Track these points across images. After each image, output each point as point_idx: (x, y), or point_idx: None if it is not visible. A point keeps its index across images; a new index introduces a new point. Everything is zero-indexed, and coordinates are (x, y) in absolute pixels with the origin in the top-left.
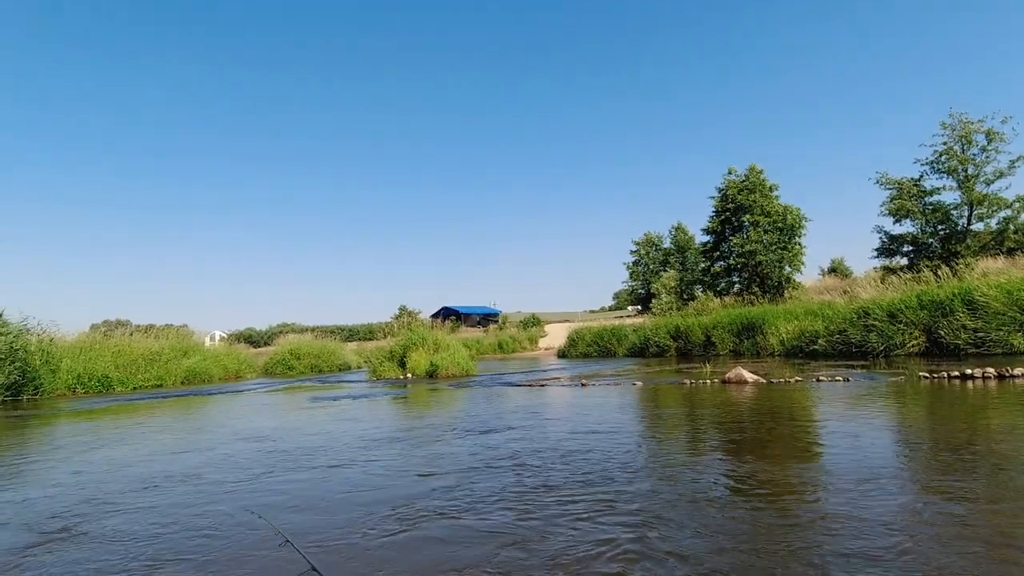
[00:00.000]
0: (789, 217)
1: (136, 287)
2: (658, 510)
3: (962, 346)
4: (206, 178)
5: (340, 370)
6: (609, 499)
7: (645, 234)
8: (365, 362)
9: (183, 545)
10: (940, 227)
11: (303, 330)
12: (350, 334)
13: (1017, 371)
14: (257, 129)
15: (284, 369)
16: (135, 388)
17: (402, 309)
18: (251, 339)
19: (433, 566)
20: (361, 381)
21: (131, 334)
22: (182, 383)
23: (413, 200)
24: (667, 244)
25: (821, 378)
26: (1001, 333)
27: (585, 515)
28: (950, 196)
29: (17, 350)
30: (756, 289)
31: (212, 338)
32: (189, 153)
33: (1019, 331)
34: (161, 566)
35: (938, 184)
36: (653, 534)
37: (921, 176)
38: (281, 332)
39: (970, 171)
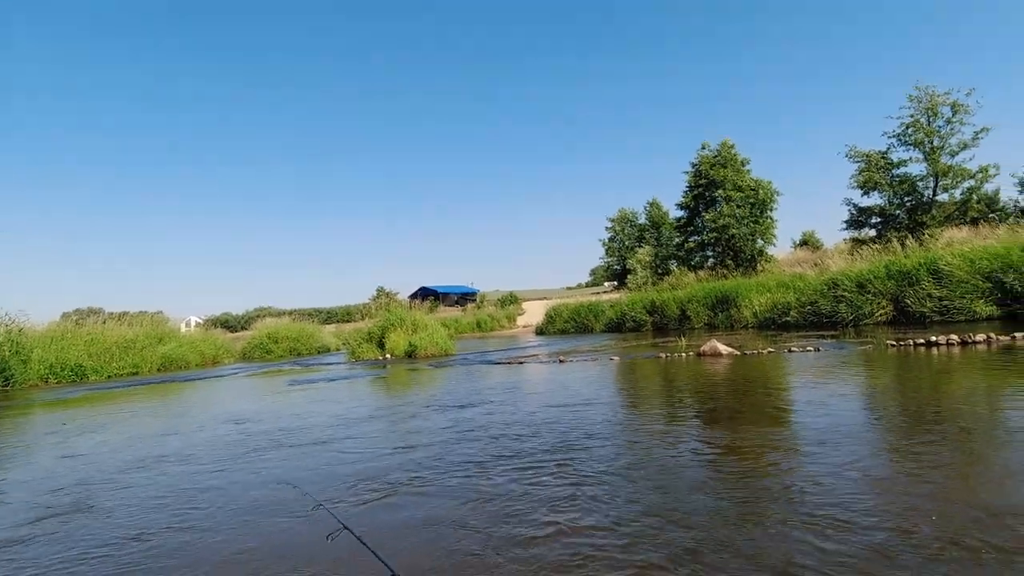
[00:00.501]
0: (761, 191)
1: (109, 274)
2: (607, 470)
3: (928, 314)
4: (178, 162)
5: (319, 353)
6: (567, 463)
7: (620, 211)
8: (344, 344)
9: (185, 516)
10: (907, 198)
11: (280, 314)
12: (328, 316)
13: (979, 337)
14: (228, 111)
15: (262, 353)
16: (110, 376)
17: (380, 290)
18: (228, 324)
19: (405, 522)
20: (340, 363)
21: (104, 322)
22: (158, 370)
23: (390, 181)
24: (642, 220)
25: (793, 349)
26: (964, 301)
27: (538, 478)
28: (916, 168)
29: None
30: (729, 263)
31: (188, 324)
32: (159, 136)
33: (982, 298)
34: (172, 532)
35: (905, 156)
36: (591, 490)
37: (888, 148)
38: (258, 316)
39: (936, 143)
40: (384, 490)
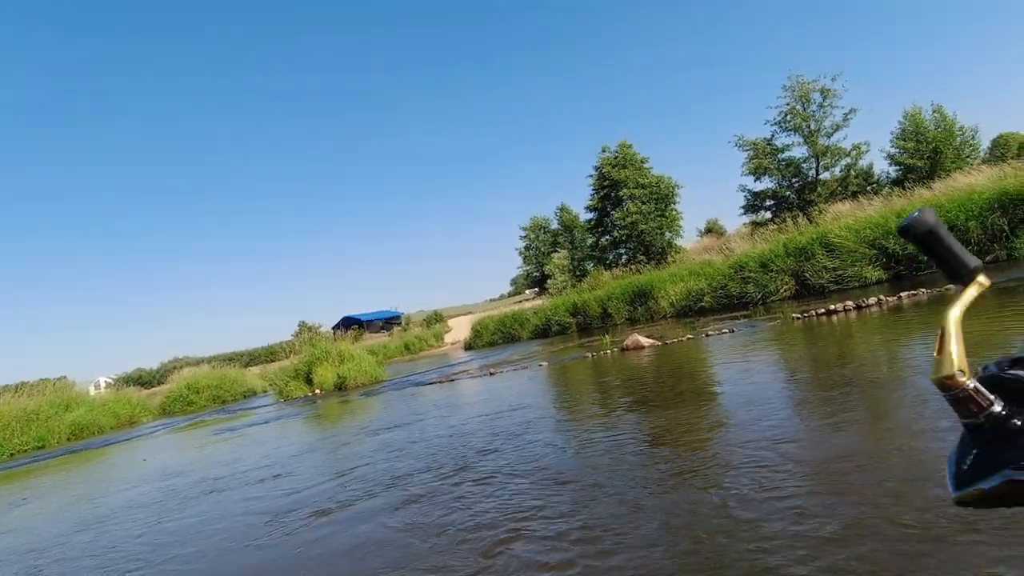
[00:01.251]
0: (663, 187)
1: None
2: (536, 459)
3: (826, 285)
4: (66, 212)
5: (245, 397)
6: (492, 464)
7: (532, 218)
8: (271, 385)
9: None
10: (794, 180)
11: (199, 362)
12: (251, 359)
13: (871, 300)
14: (119, 147)
15: (183, 406)
16: (12, 454)
17: (302, 325)
18: (142, 380)
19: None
20: (269, 405)
21: None
22: (68, 439)
23: (300, 212)
24: (554, 225)
25: (710, 333)
26: (856, 268)
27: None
28: (799, 151)
29: None
30: (642, 258)
31: (97, 386)
32: (46, 185)
33: (870, 264)
34: None
35: (788, 141)
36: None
37: (772, 135)
38: (175, 368)
39: (812, 127)
40: (316, 513)
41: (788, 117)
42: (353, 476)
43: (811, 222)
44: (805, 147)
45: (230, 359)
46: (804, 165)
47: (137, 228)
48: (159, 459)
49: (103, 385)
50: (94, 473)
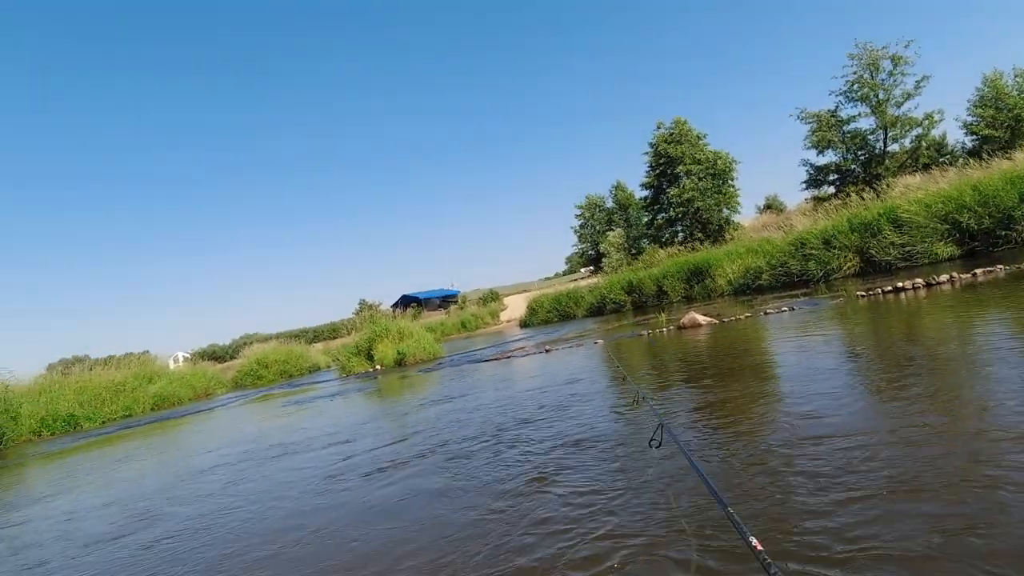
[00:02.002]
0: (720, 162)
1: (90, 321)
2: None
3: (893, 262)
4: (148, 200)
5: (310, 372)
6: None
7: (587, 197)
8: (334, 360)
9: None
10: (860, 152)
11: (267, 338)
12: (315, 335)
13: (943, 278)
14: (194, 143)
15: (253, 380)
16: (104, 422)
17: (363, 303)
18: (216, 355)
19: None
20: (332, 380)
21: (91, 368)
22: (152, 409)
23: (361, 194)
24: (609, 204)
25: (768, 311)
26: (926, 244)
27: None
28: (866, 122)
29: None
30: (699, 235)
31: (176, 360)
32: (127, 181)
33: (941, 240)
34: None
35: (853, 112)
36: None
37: (837, 107)
38: (245, 343)
39: (880, 96)
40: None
41: (855, 87)
42: (410, 441)
43: (878, 196)
44: (873, 118)
45: (296, 336)
46: (871, 137)
47: (210, 210)
48: (236, 428)
49: (181, 359)
50: (181, 439)
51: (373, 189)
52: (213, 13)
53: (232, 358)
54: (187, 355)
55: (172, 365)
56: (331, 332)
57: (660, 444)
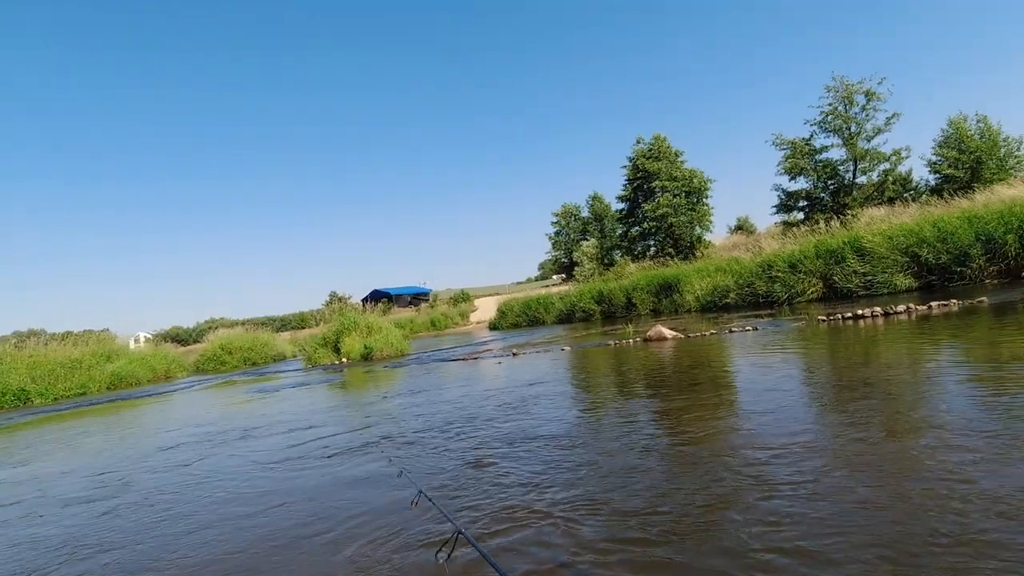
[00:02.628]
0: (695, 180)
1: (49, 295)
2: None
3: (854, 289)
4: (117, 174)
5: (275, 361)
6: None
7: (563, 205)
8: (300, 351)
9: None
10: (830, 182)
11: (233, 324)
12: (282, 324)
13: (900, 308)
14: (172, 120)
15: (216, 365)
16: (56, 399)
17: (333, 295)
18: (179, 338)
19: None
20: (297, 370)
21: (46, 343)
22: (108, 388)
23: (337, 185)
24: (585, 214)
25: (733, 329)
26: (886, 275)
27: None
28: (837, 153)
29: None
30: (670, 250)
31: (137, 340)
32: (95, 149)
33: (901, 272)
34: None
35: (826, 143)
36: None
37: (811, 136)
38: (210, 328)
39: (853, 129)
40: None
41: (829, 118)
42: (369, 430)
43: (844, 225)
44: (844, 149)
45: (263, 323)
46: (841, 167)
47: (181, 190)
48: (195, 411)
49: (142, 340)
50: (140, 418)
51: (349, 181)
52: None
53: (196, 342)
54: (149, 336)
55: (132, 345)
56: (299, 322)
57: (451, 555)
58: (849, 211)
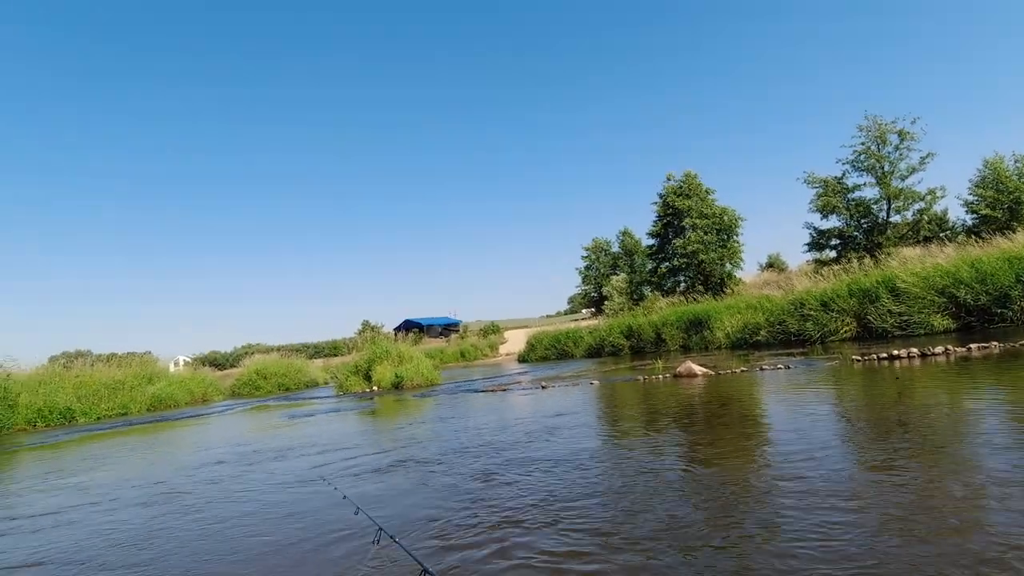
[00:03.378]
0: (726, 218)
1: (96, 317)
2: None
3: (889, 329)
4: (161, 203)
5: (307, 387)
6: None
7: (594, 240)
8: (332, 378)
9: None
10: (863, 220)
11: (269, 350)
12: (316, 351)
13: (938, 349)
14: (214, 149)
15: (251, 389)
16: (99, 418)
17: (365, 324)
18: (216, 362)
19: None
20: (328, 396)
21: (92, 364)
22: (148, 410)
23: (372, 217)
24: (615, 249)
25: (764, 367)
26: (923, 315)
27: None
28: (870, 192)
29: None
30: (700, 286)
31: (177, 363)
32: (142, 178)
33: (938, 313)
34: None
35: (859, 181)
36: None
37: (843, 174)
38: (246, 353)
39: (886, 168)
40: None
41: (862, 157)
42: (398, 454)
43: (878, 264)
44: (877, 188)
45: (297, 350)
46: (875, 206)
47: (220, 216)
48: (232, 433)
49: (182, 363)
50: (183, 438)
51: (383, 211)
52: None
53: (232, 366)
54: (188, 359)
55: (172, 368)
56: (332, 349)
57: None
58: (883, 250)
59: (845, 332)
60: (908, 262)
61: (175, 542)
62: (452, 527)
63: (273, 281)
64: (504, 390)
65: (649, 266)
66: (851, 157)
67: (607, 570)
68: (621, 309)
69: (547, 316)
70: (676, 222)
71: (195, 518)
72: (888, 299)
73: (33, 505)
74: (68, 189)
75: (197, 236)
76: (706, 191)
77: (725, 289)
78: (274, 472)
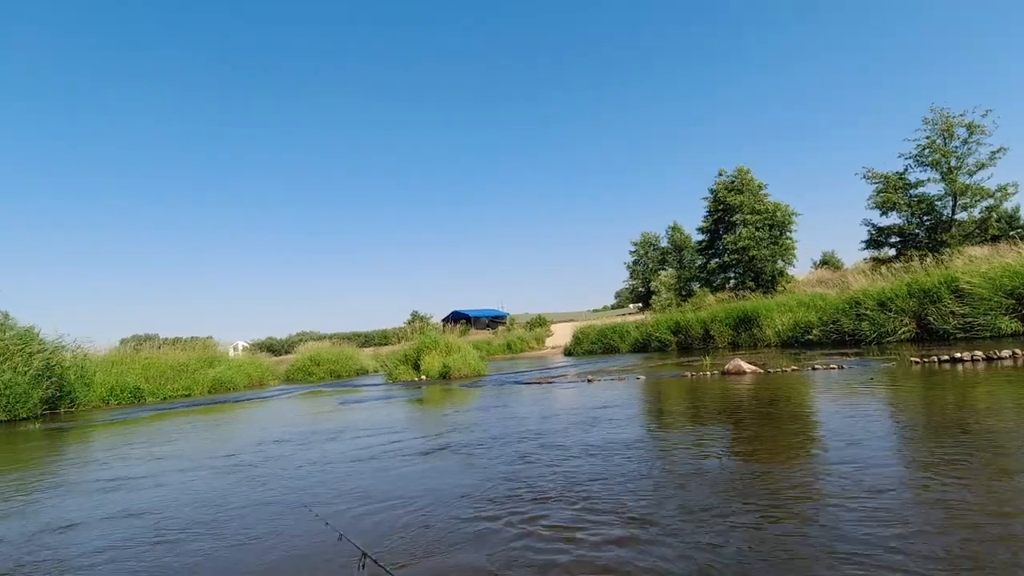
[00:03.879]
0: (779, 214)
1: (164, 302)
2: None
3: (951, 331)
4: (224, 196)
5: (357, 374)
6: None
7: (643, 235)
8: (381, 366)
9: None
10: (926, 218)
11: (321, 338)
12: (366, 340)
13: (1004, 353)
14: (273, 146)
15: (304, 375)
16: (164, 398)
17: (414, 315)
18: (272, 348)
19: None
20: (378, 384)
21: (159, 347)
22: (209, 392)
23: (423, 209)
24: (664, 244)
25: (817, 366)
26: (988, 317)
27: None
28: (934, 188)
29: (53, 366)
30: (750, 283)
31: (236, 348)
32: (209, 173)
33: (1006, 315)
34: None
35: (922, 177)
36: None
37: (906, 170)
38: (300, 340)
39: (952, 163)
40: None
41: (926, 151)
42: (442, 438)
43: (940, 264)
44: (942, 184)
45: (348, 338)
46: (939, 203)
47: (279, 208)
48: (290, 415)
49: (240, 348)
50: (247, 417)
51: (436, 206)
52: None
53: (287, 352)
54: (246, 344)
55: (231, 352)
56: (382, 338)
57: None
58: (947, 249)
59: (903, 333)
60: (974, 262)
61: (249, 502)
62: (483, 500)
63: (327, 272)
64: (550, 382)
65: (698, 262)
66: (914, 152)
67: (628, 554)
68: (669, 305)
69: (593, 310)
70: (727, 218)
71: (264, 484)
72: (951, 299)
73: (131, 469)
74: (134, 187)
75: (257, 231)
76: (759, 186)
77: (776, 286)
78: (326, 452)
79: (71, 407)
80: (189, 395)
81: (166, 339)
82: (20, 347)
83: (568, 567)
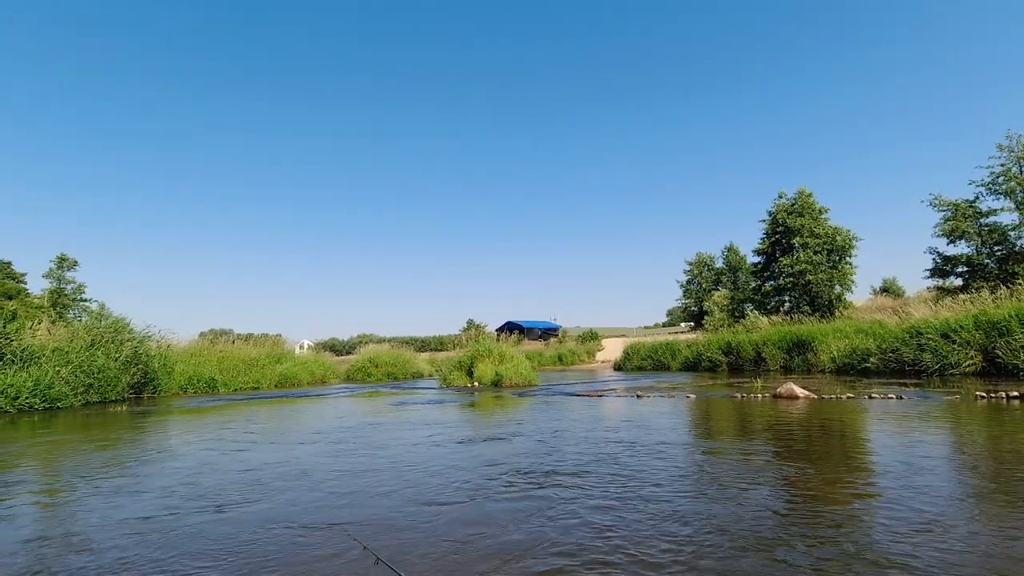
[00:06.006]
0: (839, 239)
1: (239, 300)
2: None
3: (1021, 366)
4: (294, 206)
5: (413, 378)
6: (627, 473)
7: (698, 254)
8: (436, 371)
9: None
10: (997, 248)
11: (381, 341)
12: (422, 345)
13: None
14: (342, 158)
15: (363, 376)
16: (235, 389)
17: (470, 323)
18: (335, 348)
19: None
20: (433, 388)
21: (233, 342)
22: (275, 386)
23: (482, 221)
24: (719, 264)
25: (873, 395)
26: None
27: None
28: (1008, 217)
29: (140, 354)
30: (806, 307)
31: (301, 346)
32: (279, 183)
33: None
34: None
35: (995, 205)
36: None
37: (976, 197)
38: (361, 342)
39: None
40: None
41: (1000, 179)
42: (490, 431)
43: (1012, 296)
44: (1016, 213)
45: (405, 342)
46: (1012, 233)
47: (345, 216)
48: (356, 409)
49: (306, 346)
50: (317, 410)
51: (495, 215)
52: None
53: (348, 353)
54: (311, 343)
55: (298, 350)
56: (438, 344)
57: None
58: (1018, 280)
59: (968, 366)
60: None
61: (332, 474)
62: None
63: (388, 278)
64: (599, 395)
65: (753, 284)
66: (987, 179)
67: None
68: (721, 325)
69: (645, 327)
70: (785, 240)
71: (344, 460)
72: (1022, 333)
73: (223, 447)
74: (216, 196)
75: (325, 237)
76: (819, 210)
77: (833, 312)
78: (387, 443)
79: (153, 393)
80: (257, 388)
81: (240, 334)
82: (113, 335)
83: None
